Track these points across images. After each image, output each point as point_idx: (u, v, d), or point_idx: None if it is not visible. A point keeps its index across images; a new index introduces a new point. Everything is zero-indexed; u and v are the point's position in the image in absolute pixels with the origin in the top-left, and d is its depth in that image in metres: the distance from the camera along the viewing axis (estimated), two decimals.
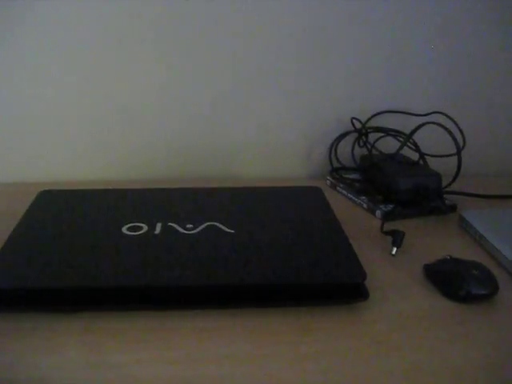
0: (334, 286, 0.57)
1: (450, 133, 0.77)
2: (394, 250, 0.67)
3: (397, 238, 0.68)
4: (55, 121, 0.88)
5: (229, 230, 0.63)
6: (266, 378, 0.47)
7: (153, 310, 0.55)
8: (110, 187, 0.77)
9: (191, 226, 0.64)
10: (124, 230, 0.63)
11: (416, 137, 0.83)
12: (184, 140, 0.91)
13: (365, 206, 0.80)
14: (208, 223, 0.65)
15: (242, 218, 0.67)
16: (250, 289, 0.56)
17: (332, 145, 0.92)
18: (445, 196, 0.80)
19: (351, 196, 0.84)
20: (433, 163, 0.83)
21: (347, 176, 0.89)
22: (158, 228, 0.63)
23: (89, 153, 0.90)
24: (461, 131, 0.80)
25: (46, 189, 0.74)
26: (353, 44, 0.88)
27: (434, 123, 0.80)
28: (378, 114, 0.90)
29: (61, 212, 0.68)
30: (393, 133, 0.87)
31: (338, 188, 0.87)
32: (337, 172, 0.90)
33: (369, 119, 0.90)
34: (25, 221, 0.65)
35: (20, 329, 0.52)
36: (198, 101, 0.89)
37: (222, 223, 0.65)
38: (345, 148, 0.92)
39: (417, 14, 0.87)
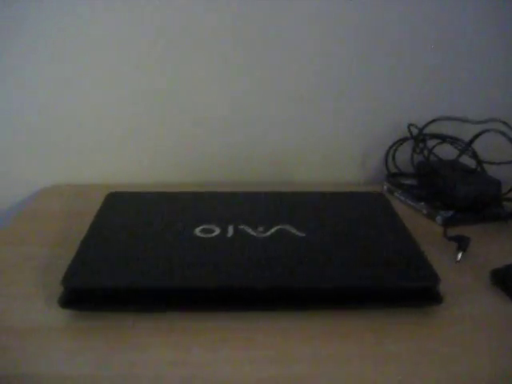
0: (407, 289, 0.58)
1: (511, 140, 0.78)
2: (459, 255, 0.68)
3: (462, 243, 0.69)
4: (116, 122, 0.91)
5: (300, 234, 0.65)
6: (350, 377, 0.49)
7: (233, 311, 0.56)
8: (171, 190, 0.79)
9: (262, 228, 0.66)
10: (197, 232, 0.65)
11: (473, 143, 0.84)
12: (239, 144, 0.93)
13: (424, 211, 0.82)
14: (278, 226, 0.67)
15: (311, 222, 0.68)
16: (327, 291, 0.57)
17: (388, 150, 0.93)
18: (504, 203, 0.81)
19: (410, 202, 0.85)
20: (490, 170, 0.84)
21: (404, 182, 0.90)
22: (230, 231, 0.65)
23: (148, 155, 0.93)
24: None
25: (113, 191, 0.77)
26: (410, 50, 0.89)
27: (493, 130, 0.80)
28: (435, 120, 0.91)
29: (132, 214, 0.71)
30: (450, 139, 0.88)
31: (395, 194, 0.88)
32: (393, 177, 0.91)
33: (425, 125, 0.91)
34: (97, 222, 0.68)
35: (106, 327, 0.54)
36: (260, 104, 0.91)
37: (292, 226, 0.66)
38: (401, 154, 0.93)
39: (475, 16, 0.88)
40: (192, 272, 0.57)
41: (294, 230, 0.66)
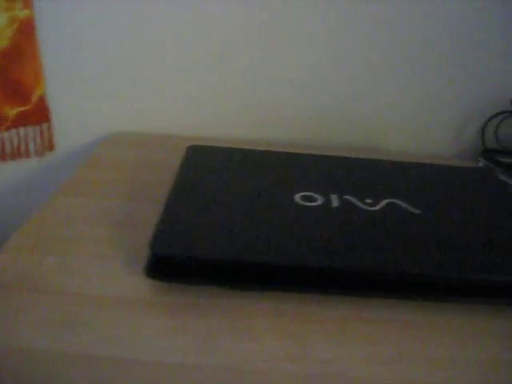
0: None
1: None
2: None
3: None
4: (198, 76, 0.82)
5: (414, 210, 0.56)
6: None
7: (346, 295, 0.48)
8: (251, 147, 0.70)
9: (370, 201, 0.57)
10: (297, 199, 0.56)
11: None
12: (327, 106, 0.84)
13: None
14: (389, 200, 0.58)
15: (423, 197, 0.60)
16: (455, 282, 0.49)
17: (486, 123, 0.84)
18: None
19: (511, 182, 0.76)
20: None
21: (502, 160, 0.80)
22: (335, 200, 0.57)
23: (225, 111, 0.84)
24: None
25: (194, 144, 0.68)
26: None
27: None
28: None
29: (220, 172, 0.62)
30: None
31: (494, 172, 0.79)
32: (490, 154, 0.82)
33: None
34: (182, 179, 0.59)
35: (199, 305, 0.46)
36: (348, 68, 0.81)
37: (404, 201, 0.58)
38: (500, 129, 0.84)
39: None
40: (301, 248, 0.49)
41: (406, 205, 0.57)
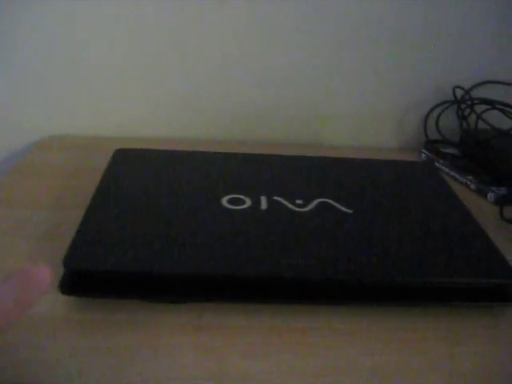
0: (478, 286, 0.48)
1: None
2: None
3: None
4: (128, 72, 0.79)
5: (346, 210, 0.55)
6: None
7: (271, 304, 0.47)
8: (183, 147, 0.68)
9: (301, 202, 0.55)
10: (224, 202, 0.54)
11: None
12: (265, 101, 0.81)
13: (472, 187, 0.72)
14: (320, 199, 0.56)
15: (356, 196, 0.58)
16: (384, 286, 0.47)
17: (428, 114, 0.83)
18: None
19: (454, 174, 0.75)
20: None
21: (445, 151, 0.80)
22: (264, 203, 0.55)
23: (157, 107, 0.81)
24: None
25: (122, 147, 0.66)
26: (462, 3, 0.78)
27: None
28: (484, 83, 0.81)
29: (145, 177, 0.59)
30: (501, 106, 0.77)
31: (436, 164, 0.78)
32: (433, 145, 0.81)
33: (473, 87, 0.81)
34: (105, 186, 0.56)
35: (116, 321, 0.44)
36: (281, 62, 0.79)
37: (335, 200, 0.56)
38: (443, 120, 0.83)
39: None
40: (224, 256, 0.46)
41: (338, 205, 0.55)
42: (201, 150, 0.67)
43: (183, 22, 0.76)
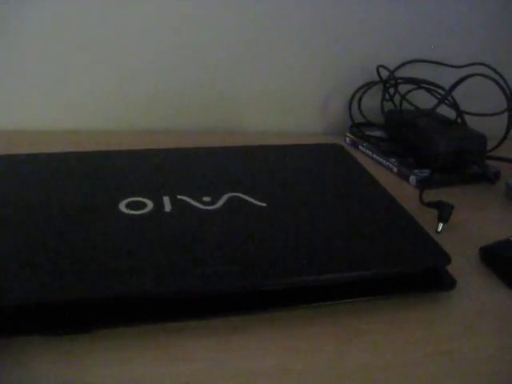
0: (410, 273, 0.45)
1: (503, 88, 0.65)
2: (440, 226, 0.55)
3: (443, 212, 0.56)
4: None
5: (259, 203, 0.50)
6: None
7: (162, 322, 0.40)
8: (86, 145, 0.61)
9: (209, 199, 0.50)
10: (122, 207, 0.48)
11: (454, 91, 0.71)
12: (182, 87, 0.77)
13: (395, 170, 0.69)
14: (229, 194, 0.51)
15: (268, 187, 0.53)
16: (311, 285, 0.42)
17: (352, 97, 0.79)
18: (488, 161, 0.69)
19: (377, 157, 0.72)
20: (472, 123, 0.71)
21: (370, 134, 0.76)
22: (167, 204, 0.49)
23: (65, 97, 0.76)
24: (508, 87, 0.68)
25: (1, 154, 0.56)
26: None
27: (478, 75, 0.67)
28: (409, 62, 0.78)
29: (29, 185, 0.51)
30: (426, 85, 0.74)
31: (360, 147, 0.75)
32: (358, 128, 0.77)
33: (398, 67, 0.78)
34: None
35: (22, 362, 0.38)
36: (201, 47, 0.75)
37: (246, 194, 0.51)
38: (368, 101, 0.79)
39: None
40: (132, 274, 0.39)
41: (250, 199, 0.50)
42: (116, 143, 0.60)
43: None
